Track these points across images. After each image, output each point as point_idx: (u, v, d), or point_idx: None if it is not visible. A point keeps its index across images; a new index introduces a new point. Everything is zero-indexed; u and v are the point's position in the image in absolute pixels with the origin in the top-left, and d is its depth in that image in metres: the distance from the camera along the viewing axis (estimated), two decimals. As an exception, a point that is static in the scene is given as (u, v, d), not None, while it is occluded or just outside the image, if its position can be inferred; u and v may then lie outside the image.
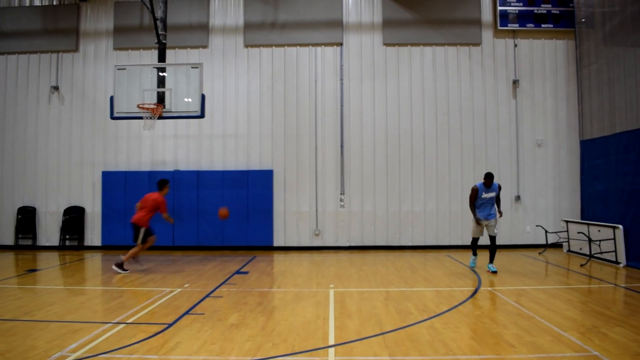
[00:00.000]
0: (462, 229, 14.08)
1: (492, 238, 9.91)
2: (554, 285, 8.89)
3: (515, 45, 14.46)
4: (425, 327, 6.03)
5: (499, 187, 9.96)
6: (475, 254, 10.56)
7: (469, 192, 10.31)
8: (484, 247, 10.44)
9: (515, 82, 14.32)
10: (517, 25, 14.35)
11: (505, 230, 14.05)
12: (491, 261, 10.07)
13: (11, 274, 10.47)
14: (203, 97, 11.11)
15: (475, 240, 10.32)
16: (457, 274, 9.95)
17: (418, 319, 6.44)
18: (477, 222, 9.84)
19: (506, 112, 14.36)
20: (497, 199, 9.97)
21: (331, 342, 5.51)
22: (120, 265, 10.51)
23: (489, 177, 9.71)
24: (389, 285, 8.87)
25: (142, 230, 10.45)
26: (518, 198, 14.15)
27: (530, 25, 14.34)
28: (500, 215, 10.11)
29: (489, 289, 8.39)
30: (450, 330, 5.86)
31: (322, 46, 14.70)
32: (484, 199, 9.79)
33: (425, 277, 9.67)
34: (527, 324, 6.11)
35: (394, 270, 10.51)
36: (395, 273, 10.12)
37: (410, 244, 14.15)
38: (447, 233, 14.17)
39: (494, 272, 9.80)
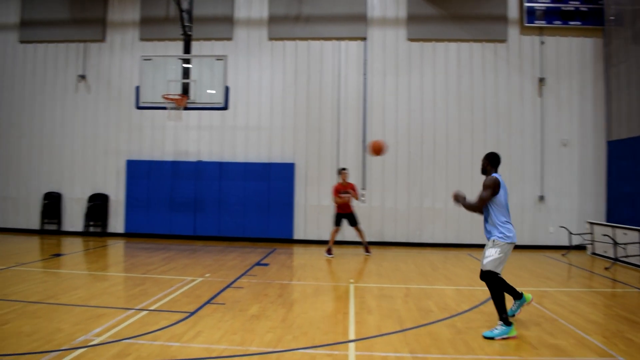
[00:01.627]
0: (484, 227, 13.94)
1: (483, 274, 6.00)
2: (578, 287, 8.81)
3: (542, 43, 14.25)
4: (446, 326, 6.02)
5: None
6: (518, 296, 6.11)
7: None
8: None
9: (541, 80, 14.14)
10: (544, 22, 14.13)
11: (528, 230, 13.93)
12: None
13: (37, 258, 10.68)
14: (227, 89, 11.18)
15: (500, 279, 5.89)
16: (478, 273, 9.83)
17: (439, 317, 6.43)
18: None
19: (531, 110, 14.18)
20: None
21: (351, 336, 5.53)
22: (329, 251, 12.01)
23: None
24: (409, 282, 8.86)
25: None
26: (542, 198, 14.00)
27: (557, 23, 14.12)
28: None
29: (510, 288, 8.32)
30: (471, 330, 5.84)
31: (346, 40, 14.66)
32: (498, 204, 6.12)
33: (446, 275, 9.64)
34: (550, 326, 6.06)
35: (414, 267, 10.49)
36: (415, 270, 10.11)
37: (430, 241, 14.09)
38: (469, 231, 14.06)
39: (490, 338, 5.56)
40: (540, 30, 14.28)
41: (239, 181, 14.38)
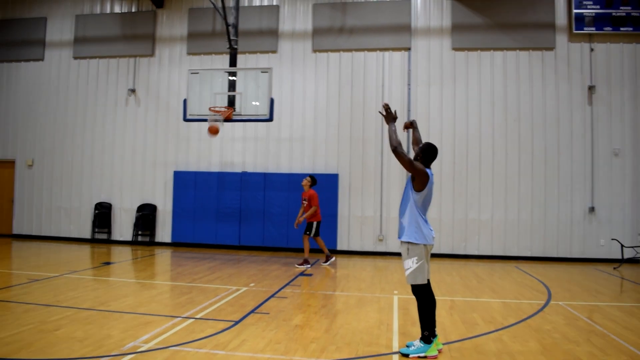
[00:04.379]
0: (532, 239, 13.67)
1: (412, 288, 5.49)
2: (631, 302, 8.49)
3: (592, 50, 13.89)
4: (492, 339, 5.90)
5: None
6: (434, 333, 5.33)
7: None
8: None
9: (590, 88, 13.76)
10: (593, 28, 13.77)
11: (578, 243, 13.54)
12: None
13: (88, 266, 11.03)
14: (272, 101, 11.33)
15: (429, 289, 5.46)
16: (525, 286, 9.66)
17: (484, 330, 6.32)
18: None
19: (581, 119, 13.81)
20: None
21: (395, 348, 5.49)
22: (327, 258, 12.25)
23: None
24: (454, 294, 8.73)
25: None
26: (592, 209, 13.57)
27: (607, 29, 13.74)
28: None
29: (560, 303, 8.10)
30: (518, 344, 5.71)
31: (390, 51, 14.66)
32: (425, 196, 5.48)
33: (492, 288, 9.45)
34: (601, 341, 5.86)
35: (459, 279, 10.33)
36: (460, 282, 9.95)
37: (476, 253, 13.85)
38: (516, 243, 13.77)
39: (405, 355, 5.23)
40: (590, 37, 13.93)
41: (283, 192, 14.51)
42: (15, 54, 16.69)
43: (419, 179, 5.31)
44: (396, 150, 5.19)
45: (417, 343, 5.25)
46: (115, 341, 5.42)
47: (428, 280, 5.37)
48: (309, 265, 11.61)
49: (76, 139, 16.11)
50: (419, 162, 5.50)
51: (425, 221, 5.41)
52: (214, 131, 11.12)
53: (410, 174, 5.38)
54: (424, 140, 5.90)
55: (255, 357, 5.06)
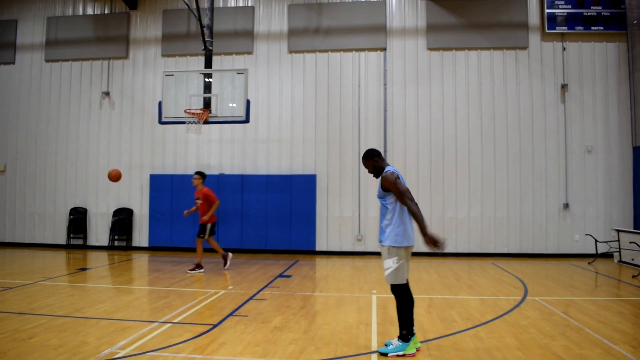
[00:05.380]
0: (508, 236, 13.84)
1: (391, 288, 5.41)
2: (605, 296, 8.63)
3: (564, 49, 14.12)
4: (469, 336, 5.95)
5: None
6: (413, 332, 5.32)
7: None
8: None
9: (563, 87, 13.98)
10: (565, 28, 14.01)
11: (553, 238, 13.75)
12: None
13: (63, 272, 10.84)
14: (248, 102, 11.27)
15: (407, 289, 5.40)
16: (502, 282, 9.77)
17: (462, 327, 6.36)
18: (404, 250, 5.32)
19: (554, 117, 14.03)
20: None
21: (374, 347, 5.50)
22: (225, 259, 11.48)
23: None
24: (432, 292, 8.79)
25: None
26: (566, 205, 13.79)
27: (579, 28, 13.98)
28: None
29: (536, 298, 8.20)
30: (495, 340, 5.76)
31: (366, 51, 14.71)
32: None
33: (470, 285, 9.53)
34: (576, 335, 5.95)
35: (437, 277, 10.40)
36: (438, 280, 10.02)
37: (453, 250, 13.97)
38: (492, 240, 13.93)
39: (384, 354, 5.23)
40: (562, 36, 14.16)
41: (261, 193, 14.46)
42: (-16, 58, 16.35)
43: (400, 184, 5.27)
44: (412, 207, 5.15)
45: (396, 342, 5.26)
46: (91, 348, 5.34)
47: (407, 280, 5.35)
48: (201, 270, 10.92)
49: (49, 143, 15.83)
50: (379, 166, 5.53)
51: (409, 218, 5.31)
52: (114, 176, 10.51)
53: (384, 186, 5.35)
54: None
55: (233, 360, 5.03)
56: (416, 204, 5.19)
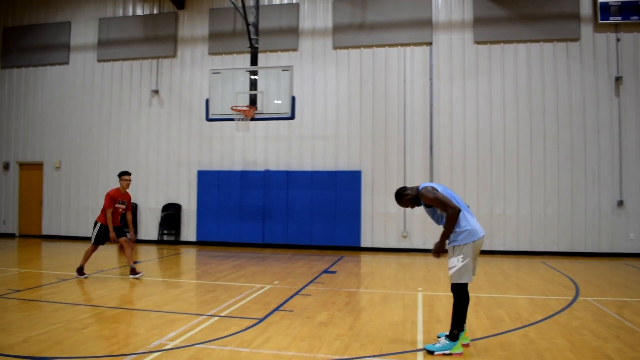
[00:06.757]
0: (559, 234, 13.47)
1: (451, 286, 5.35)
2: (661, 297, 8.30)
3: (618, 40, 13.59)
4: (518, 336, 5.82)
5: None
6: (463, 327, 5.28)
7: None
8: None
9: (617, 79, 13.47)
10: (619, 18, 13.47)
11: (607, 237, 13.29)
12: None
13: (115, 265, 11.19)
14: (293, 99, 11.33)
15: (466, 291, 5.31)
16: (552, 282, 9.52)
17: (510, 327, 6.23)
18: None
19: (607, 111, 13.53)
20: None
21: (419, 345, 5.44)
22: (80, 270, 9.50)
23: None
24: (480, 290, 8.63)
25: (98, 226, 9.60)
26: (621, 203, 13.30)
27: (634, 18, 13.41)
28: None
29: (588, 299, 7.95)
30: (545, 341, 5.62)
31: (411, 46, 14.55)
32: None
33: (518, 284, 9.33)
34: (631, 338, 5.74)
35: (484, 275, 10.21)
36: (485, 278, 9.84)
37: (501, 248, 13.69)
38: (542, 238, 13.57)
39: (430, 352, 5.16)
40: (616, 27, 13.63)
41: (306, 189, 14.53)
42: (40, 59, 17.02)
43: (439, 194, 5.25)
44: (450, 215, 5.13)
45: (443, 340, 5.20)
46: (141, 339, 5.49)
47: (471, 280, 5.24)
48: (141, 273, 9.65)
49: (101, 140, 16.36)
50: (413, 196, 5.51)
51: (470, 215, 5.30)
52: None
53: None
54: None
55: (279, 355, 5.07)
56: (458, 211, 5.13)
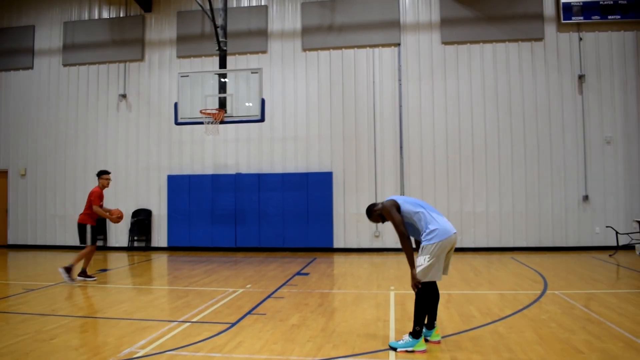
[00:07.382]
0: (527, 229, 13.72)
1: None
2: (626, 289, 8.53)
3: (580, 39, 13.93)
4: (488, 331, 5.92)
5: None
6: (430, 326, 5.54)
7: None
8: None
9: (580, 77, 13.80)
10: (581, 18, 13.80)
11: (573, 231, 13.60)
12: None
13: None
14: (263, 101, 11.30)
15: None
16: (521, 277, 9.69)
17: (481, 322, 6.33)
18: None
19: (572, 108, 13.85)
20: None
21: (392, 344, 5.49)
22: (68, 270, 9.37)
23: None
24: (451, 287, 8.74)
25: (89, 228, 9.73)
26: (586, 198, 13.62)
27: (596, 18, 13.77)
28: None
29: (556, 292, 8.12)
30: (514, 335, 5.72)
31: (380, 47, 14.66)
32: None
33: (489, 280, 9.47)
34: (597, 329, 5.88)
35: (455, 272, 10.33)
36: (457, 275, 9.96)
37: (472, 245, 13.89)
38: (511, 234, 13.81)
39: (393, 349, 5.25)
40: (578, 27, 13.97)
41: (278, 192, 14.50)
42: (4, 63, 16.60)
43: (394, 212, 5.41)
44: (402, 233, 5.34)
45: (407, 337, 5.24)
46: (111, 348, 5.41)
47: (439, 278, 5.29)
48: (94, 278, 9.84)
49: (68, 146, 16.05)
50: (378, 213, 5.64)
51: (439, 214, 5.38)
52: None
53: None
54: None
55: (251, 358, 5.06)
56: (407, 237, 5.33)
